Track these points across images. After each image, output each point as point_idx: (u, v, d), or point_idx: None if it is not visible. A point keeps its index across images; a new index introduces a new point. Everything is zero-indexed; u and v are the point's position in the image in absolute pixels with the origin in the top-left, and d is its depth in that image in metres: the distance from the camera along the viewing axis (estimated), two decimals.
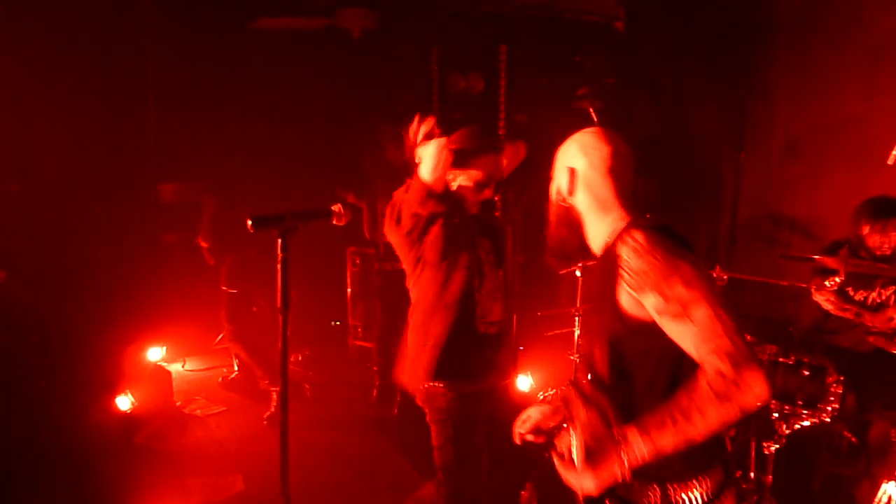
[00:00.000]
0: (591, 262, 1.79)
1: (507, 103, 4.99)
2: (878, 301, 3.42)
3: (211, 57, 5.06)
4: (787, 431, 3.23)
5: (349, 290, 5.67)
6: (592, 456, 1.42)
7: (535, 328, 4.81)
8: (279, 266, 1.85)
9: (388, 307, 4.72)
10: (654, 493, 1.55)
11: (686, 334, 1.42)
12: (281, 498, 1.98)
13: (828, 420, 3.16)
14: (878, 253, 3.35)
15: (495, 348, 2.67)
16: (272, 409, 4.46)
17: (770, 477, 3.25)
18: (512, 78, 5.03)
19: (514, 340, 4.97)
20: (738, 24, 4.86)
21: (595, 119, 3.99)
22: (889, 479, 2.86)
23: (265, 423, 4.42)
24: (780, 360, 3.16)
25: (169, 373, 4.63)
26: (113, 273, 4.55)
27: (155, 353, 4.88)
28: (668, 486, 1.55)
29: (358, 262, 5.57)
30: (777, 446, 3.23)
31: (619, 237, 1.58)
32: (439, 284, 2.54)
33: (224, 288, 4.64)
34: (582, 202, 1.72)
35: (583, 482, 1.43)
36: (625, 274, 1.52)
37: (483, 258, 2.57)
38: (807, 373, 3.11)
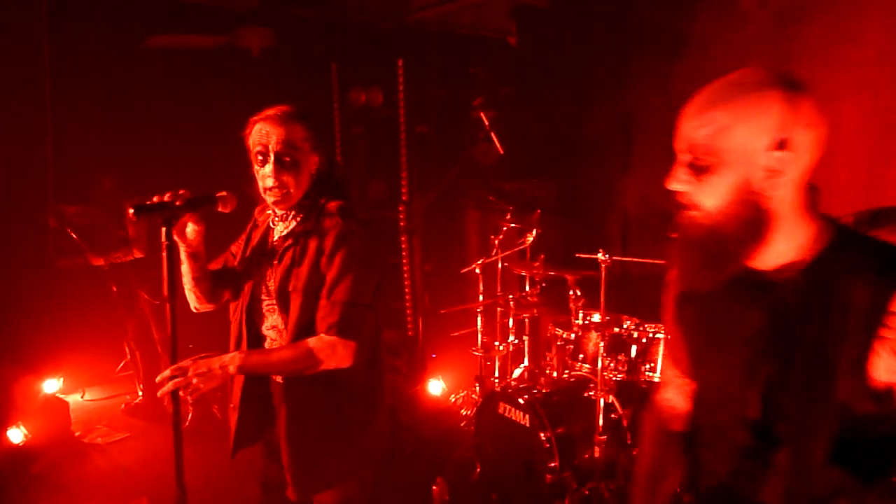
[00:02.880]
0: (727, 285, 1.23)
1: (407, 115, 5.11)
2: None
3: (110, 76, 4.93)
4: None
5: None
6: None
7: (440, 328, 4.89)
8: (164, 255, 1.76)
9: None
10: None
11: None
12: None
13: None
14: None
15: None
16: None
17: None
18: (410, 91, 5.16)
19: (420, 348, 5.05)
20: (616, 38, 5.14)
21: (487, 126, 4.15)
22: None
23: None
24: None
25: (66, 403, 4.43)
26: (2, 301, 4.34)
27: (51, 385, 4.67)
28: None
29: None
30: None
31: (888, 282, 1.05)
32: None
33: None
34: (786, 197, 1.12)
35: None
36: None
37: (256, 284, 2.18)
38: None
